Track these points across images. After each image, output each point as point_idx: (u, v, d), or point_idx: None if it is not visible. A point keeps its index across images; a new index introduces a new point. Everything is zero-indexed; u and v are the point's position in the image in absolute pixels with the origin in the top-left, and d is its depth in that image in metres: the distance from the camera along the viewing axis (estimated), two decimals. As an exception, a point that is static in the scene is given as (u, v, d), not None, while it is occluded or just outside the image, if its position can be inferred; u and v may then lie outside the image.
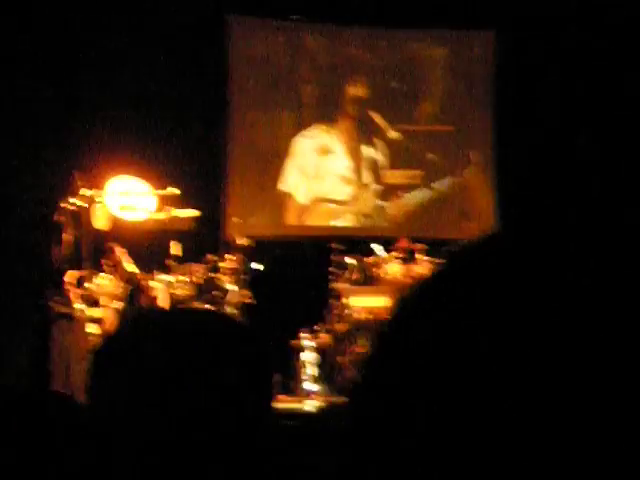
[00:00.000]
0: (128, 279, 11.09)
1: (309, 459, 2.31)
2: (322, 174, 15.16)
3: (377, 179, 15.15)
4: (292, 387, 11.55)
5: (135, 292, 11.10)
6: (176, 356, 1.28)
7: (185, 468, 1.25)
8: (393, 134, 15.24)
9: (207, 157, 13.61)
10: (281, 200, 14.84)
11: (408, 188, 15.11)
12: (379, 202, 14.89)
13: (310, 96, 15.38)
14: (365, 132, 15.32)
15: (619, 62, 13.11)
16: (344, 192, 15.03)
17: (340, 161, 15.23)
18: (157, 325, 1.34)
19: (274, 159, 14.96)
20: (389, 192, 15.06)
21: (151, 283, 11.12)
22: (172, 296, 11.02)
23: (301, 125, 15.25)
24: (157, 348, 1.29)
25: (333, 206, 14.79)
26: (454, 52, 15.51)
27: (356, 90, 15.30)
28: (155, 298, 11.03)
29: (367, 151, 15.28)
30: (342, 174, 15.12)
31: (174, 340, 1.30)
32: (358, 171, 15.24)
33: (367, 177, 15.16)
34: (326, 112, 15.31)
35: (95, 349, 1.38)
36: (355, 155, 15.29)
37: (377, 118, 15.27)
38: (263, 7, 14.33)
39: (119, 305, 10.89)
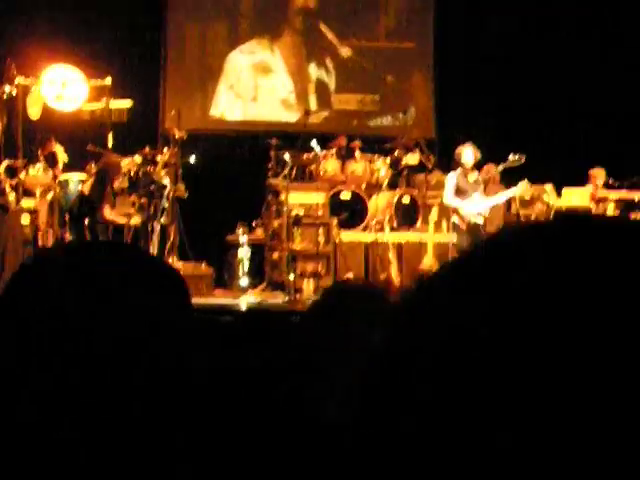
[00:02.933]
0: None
1: (244, 355, 2.34)
2: (259, 96, 13.58)
3: (325, 103, 13.71)
4: (228, 282, 11.59)
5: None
6: (82, 297, 1.26)
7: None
8: (346, 51, 13.65)
9: (143, 50, 13.32)
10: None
11: (363, 115, 13.73)
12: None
13: (249, 4, 13.57)
14: (313, 49, 13.68)
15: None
16: (286, 119, 13.62)
17: (282, 82, 13.60)
18: (60, 265, 1.32)
19: (206, 78, 13.60)
20: (341, 119, 13.55)
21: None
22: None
23: (238, 40, 13.64)
24: (60, 291, 1.27)
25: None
26: None
27: (304, -1, 13.49)
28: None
29: (315, 71, 13.68)
30: (284, 98, 13.61)
31: (78, 281, 1.28)
32: (304, 95, 13.66)
33: (313, 101, 13.70)
34: (268, 24, 13.58)
35: None
36: (300, 76, 13.61)
37: (328, 33, 13.57)
38: None
39: (50, 195, 10.78)
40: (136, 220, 10.87)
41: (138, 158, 11.11)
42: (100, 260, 1.31)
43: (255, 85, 13.67)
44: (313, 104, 13.74)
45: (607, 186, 11.91)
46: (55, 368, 1.21)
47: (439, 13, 13.91)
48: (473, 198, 10.54)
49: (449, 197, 10.63)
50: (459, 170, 10.66)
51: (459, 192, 10.60)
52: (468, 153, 10.62)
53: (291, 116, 13.74)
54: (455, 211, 10.61)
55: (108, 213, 10.71)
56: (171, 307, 1.29)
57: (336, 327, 2.25)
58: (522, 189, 10.84)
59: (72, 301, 1.23)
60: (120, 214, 10.80)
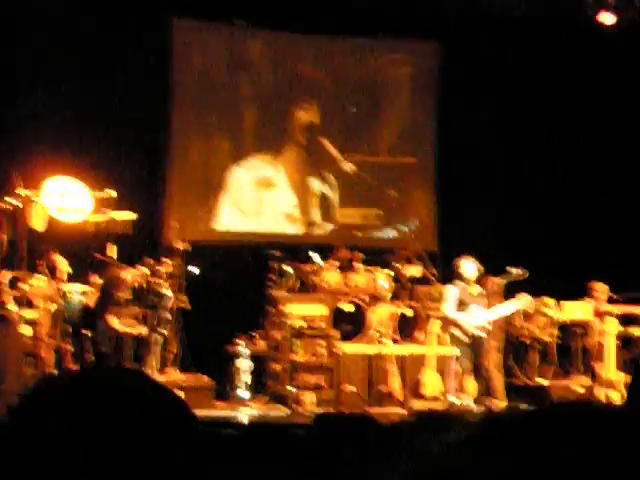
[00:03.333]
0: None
1: (243, 466, 2.30)
2: (263, 211, 13.68)
3: (329, 218, 13.84)
4: (227, 393, 11.48)
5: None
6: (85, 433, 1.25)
7: None
8: (348, 166, 13.80)
9: (146, 162, 13.41)
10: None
11: (365, 229, 13.85)
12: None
13: (252, 120, 13.71)
14: (316, 164, 13.80)
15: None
16: (290, 232, 13.74)
17: (285, 197, 13.72)
18: (61, 398, 1.31)
19: (209, 192, 13.67)
20: (344, 232, 13.64)
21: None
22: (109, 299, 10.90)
23: (241, 154, 13.73)
24: (62, 425, 1.26)
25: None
26: (419, 70, 14.13)
27: (306, 114, 13.73)
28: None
29: (318, 186, 13.82)
30: (288, 212, 13.72)
31: (82, 414, 1.27)
32: (308, 209, 13.79)
33: (317, 215, 13.83)
34: (271, 140, 13.71)
35: None
36: (304, 190, 13.75)
37: (330, 148, 13.73)
38: (208, 10, 13.44)
39: (53, 307, 10.75)
40: (142, 330, 10.83)
41: (144, 270, 11.14)
42: (101, 397, 1.28)
43: (258, 200, 13.75)
44: (317, 218, 13.87)
45: (609, 300, 11.86)
46: None
47: (440, 128, 14.10)
48: (473, 311, 10.47)
49: (448, 309, 10.57)
50: (460, 283, 10.61)
51: (461, 304, 10.53)
52: (468, 265, 10.60)
53: (295, 229, 13.87)
54: (456, 324, 10.53)
55: (115, 323, 10.69)
56: (174, 440, 1.28)
57: (329, 458, 2.23)
58: (524, 302, 10.80)
59: (72, 435, 1.22)
60: (123, 325, 10.77)
